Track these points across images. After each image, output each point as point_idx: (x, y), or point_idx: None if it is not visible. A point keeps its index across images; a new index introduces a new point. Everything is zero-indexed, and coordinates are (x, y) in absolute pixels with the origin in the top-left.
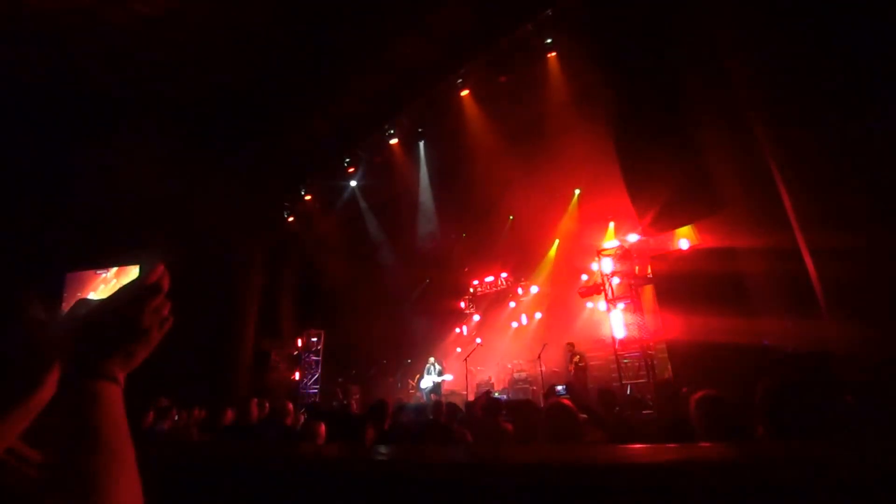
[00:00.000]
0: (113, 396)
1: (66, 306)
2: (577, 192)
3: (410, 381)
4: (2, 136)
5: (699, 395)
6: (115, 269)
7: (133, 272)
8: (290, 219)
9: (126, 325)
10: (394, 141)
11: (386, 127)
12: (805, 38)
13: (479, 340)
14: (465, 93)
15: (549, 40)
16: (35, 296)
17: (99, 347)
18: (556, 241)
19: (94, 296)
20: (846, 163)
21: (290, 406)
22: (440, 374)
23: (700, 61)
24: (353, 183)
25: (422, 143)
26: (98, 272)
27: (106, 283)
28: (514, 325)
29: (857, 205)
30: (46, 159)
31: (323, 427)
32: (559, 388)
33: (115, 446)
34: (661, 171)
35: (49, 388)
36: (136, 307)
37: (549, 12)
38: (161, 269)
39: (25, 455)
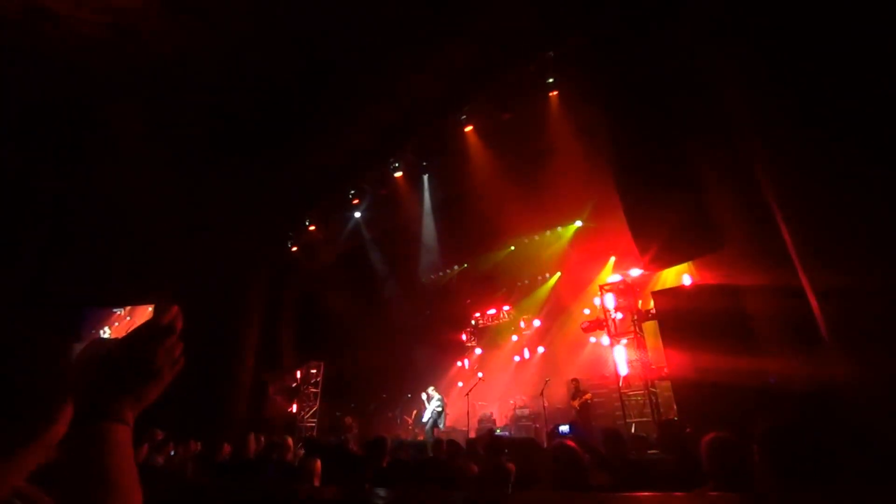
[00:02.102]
0: (123, 438)
1: (82, 343)
2: (579, 224)
3: (408, 419)
4: (20, 171)
5: (709, 437)
6: (129, 308)
7: (146, 311)
8: (294, 248)
9: (139, 367)
10: (398, 174)
11: (391, 160)
12: (804, 78)
13: (480, 375)
14: (468, 128)
15: (550, 80)
16: (50, 332)
17: (112, 389)
18: (558, 274)
19: (108, 334)
20: (846, 200)
21: (290, 441)
22: (439, 403)
23: (700, 102)
24: (357, 214)
25: (426, 177)
26: (114, 310)
27: (121, 321)
28: (517, 358)
29: (858, 242)
30: (61, 194)
31: (319, 464)
32: (563, 427)
33: (124, 489)
34: (662, 207)
35: (61, 426)
36: (149, 348)
37: (551, 54)
38: (175, 310)
39: (34, 498)
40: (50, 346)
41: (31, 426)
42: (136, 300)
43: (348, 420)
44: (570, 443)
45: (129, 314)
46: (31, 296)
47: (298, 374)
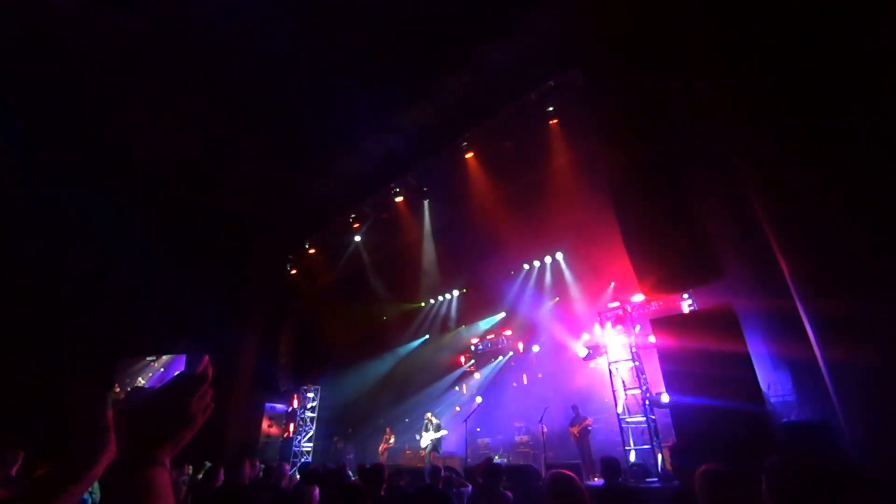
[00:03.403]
0: (163, 482)
1: (118, 390)
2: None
3: (408, 451)
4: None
5: (703, 468)
6: (164, 358)
7: (176, 359)
8: (293, 271)
9: (177, 414)
10: (399, 199)
11: (392, 185)
12: (801, 111)
13: (479, 399)
14: (469, 155)
15: (550, 108)
16: (91, 380)
17: (154, 436)
18: (556, 299)
19: (143, 382)
20: (843, 231)
21: (287, 467)
22: (438, 429)
23: (698, 133)
24: (358, 238)
25: (426, 202)
26: (147, 358)
27: (153, 369)
28: (515, 384)
29: (856, 273)
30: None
31: (317, 492)
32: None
33: None
34: (660, 236)
35: (101, 468)
36: (185, 397)
37: (552, 83)
38: (206, 360)
39: None
40: (88, 396)
41: (74, 469)
42: (164, 349)
43: (345, 444)
44: (568, 472)
45: (163, 364)
46: (66, 347)
47: (295, 399)
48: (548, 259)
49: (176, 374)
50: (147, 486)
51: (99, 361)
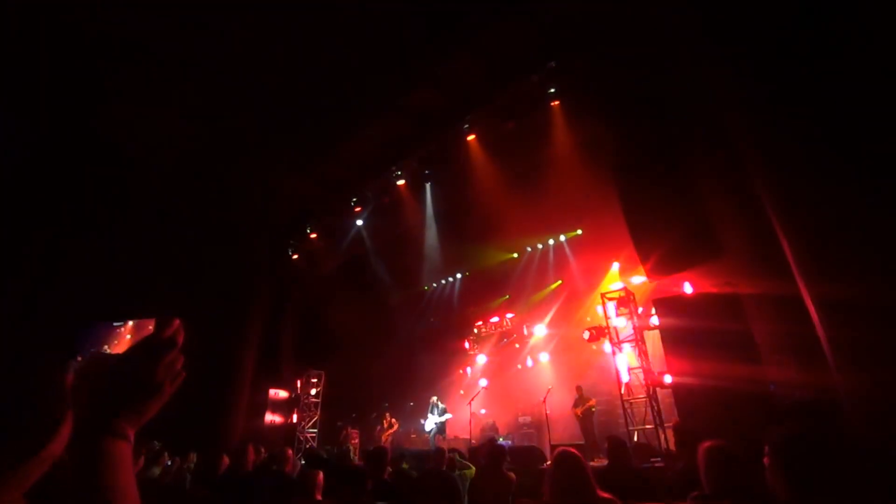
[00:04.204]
0: (123, 454)
1: (82, 359)
2: (580, 232)
3: (413, 435)
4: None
5: (706, 445)
6: (131, 323)
7: (149, 325)
8: (295, 256)
9: (140, 382)
10: (401, 182)
11: (394, 169)
12: (803, 90)
13: (483, 383)
14: (471, 137)
15: (552, 90)
16: (50, 349)
17: (112, 404)
18: (560, 282)
19: (108, 350)
20: (846, 213)
21: (290, 453)
22: (443, 413)
23: (700, 114)
24: (360, 222)
25: (428, 185)
26: (114, 325)
27: (122, 337)
28: (519, 366)
29: (856, 252)
30: (60, 209)
31: (321, 476)
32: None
33: None
34: (662, 216)
35: (60, 442)
36: (150, 363)
37: (553, 64)
38: (176, 323)
39: None
40: (46, 363)
41: (30, 442)
42: (137, 315)
43: (350, 430)
44: (573, 450)
45: (132, 332)
46: (28, 313)
47: (299, 384)
48: (550, 241)
49: (141, 338)
50: (103, 457)
51: (64, 328)
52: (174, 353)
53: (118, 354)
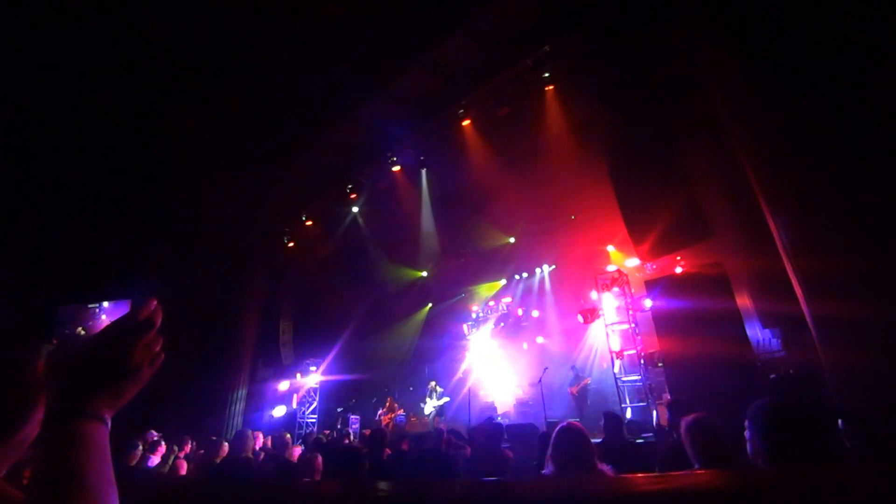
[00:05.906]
0: (99, 437)
1: (56, 341)
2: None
3: (413, 418)
4: None
5: (690, 418)
6: (107, 304)
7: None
8: (291, 244)
9: (115, 363)
10: (396, 168)
11: (389, 154)
12: (791, 76)
13: (481, 364)
14: (466, 122)
15: (546, 74)
16: (23, 330)
17: (86, 385)
18: (555, 265)
19: (84, 332)
20: (831, 192)
21: (288, 437)
22: (441, 396)
23: (691, 99)
24: (355, 209)
25: (424, 170)
26: (90, 306)
27: (97, 318)
28: (515, 348)
29: (841, 232)
30: (37, 185)
31: (320, 459)
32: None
33: (97, 490)
34: (654, 199)
35: (34, 425)
36: (126, 344)
37: (547, 48)
38: (153, 304)
39: (7, 495)
40: (18, 347)
41: (1, 427)
42: (117, 296)
43: (349, 415)
44: (578, 424)
45: (109, 312)
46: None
47: (297, 373)
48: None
49: (117, 318)
50: (77, 440)
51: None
52: (151, 335)
53: (92, 335)
